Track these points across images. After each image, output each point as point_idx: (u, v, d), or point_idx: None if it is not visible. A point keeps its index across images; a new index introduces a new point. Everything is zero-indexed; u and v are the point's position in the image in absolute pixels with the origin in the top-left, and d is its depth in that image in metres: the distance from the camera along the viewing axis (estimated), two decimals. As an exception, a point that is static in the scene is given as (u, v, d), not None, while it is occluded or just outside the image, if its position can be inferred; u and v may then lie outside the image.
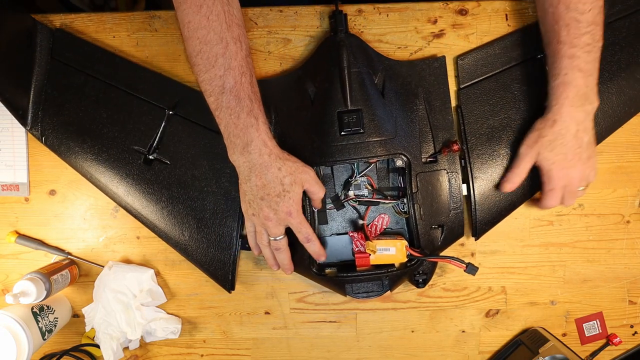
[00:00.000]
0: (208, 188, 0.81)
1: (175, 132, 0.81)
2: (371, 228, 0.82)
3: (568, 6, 0.69)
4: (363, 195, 0.81)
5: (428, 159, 0.79)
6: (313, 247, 0.74)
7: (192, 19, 0.67)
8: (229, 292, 0.83)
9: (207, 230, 0.81)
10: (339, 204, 0.81)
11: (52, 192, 0.86)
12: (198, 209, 0.81)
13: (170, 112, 0.81)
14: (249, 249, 0.82)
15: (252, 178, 0.69)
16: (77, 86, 0.81)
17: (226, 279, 0.82)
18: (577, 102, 0.71)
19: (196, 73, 0.70)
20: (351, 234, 0.81)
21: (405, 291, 0.89)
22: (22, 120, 0.80)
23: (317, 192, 0.73)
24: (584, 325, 0.90)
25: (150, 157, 0.81)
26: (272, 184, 0.69)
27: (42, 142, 0.81)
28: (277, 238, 0.73)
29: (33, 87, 0.80)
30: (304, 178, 0.71)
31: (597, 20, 0.70)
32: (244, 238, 0.82)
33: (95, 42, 0.83)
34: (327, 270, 0.81)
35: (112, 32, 0.83)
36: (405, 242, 0.76)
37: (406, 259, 0.77)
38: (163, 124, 0.81)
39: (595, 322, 0.89)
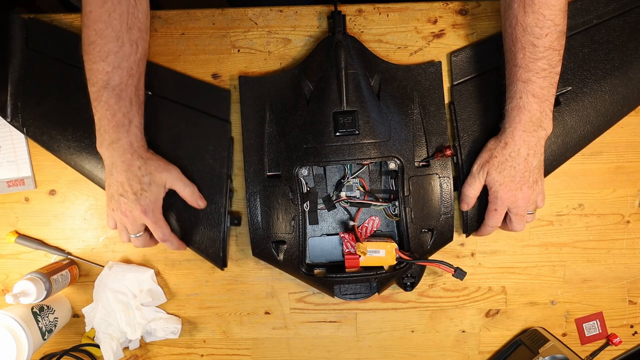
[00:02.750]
0: (192, 167, 0.80)
1: (156, 113, 0.80)
2: (361, 230, 0.82)
3: (525, 29, 0.68)
4: (355, 197, 0.81)
5: (421, 163, 0.79)
6: (171, 246, 0.78)
7: (94, 10, 0.67)
8: (222, 269, 0.83)
9: (195, 209, 0.80)
10: (330, 205, 0.81)
11: (52, 192, 0.86)
12: None
13: (149, 93, 0.79)
14: (238, 224, 0.83)
15: (114, 173, 0.71)
16: (55, 74, 0.81)
17: (217, 256, 0.82)
18: (530, 127, 0.71)
19: (85, 60, 0.70)
20: (342, 235, 0.82)
21: (405, 291, 0.89)
22: (2, 112, 0.80)
23: (183, 189, 0.76)
24: (584, 325, 0.90)
25: None
26: (131, 181, 0.71)
27: (24, 133, 0.81)
28: (136, 235, 0.75)
29: (10, 79, 0.80)
30: (164, 177, 0.74)
31: (554, 45, 0.68)
32: (232, 214, 0.82)
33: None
34: (316, 271, 0.81)
35: (112, 32, 0.83)
36: (395, 245, 0.76)
37: (395, 262, 0.77)
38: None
39: (595, 322, 0.89)
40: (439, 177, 0.79)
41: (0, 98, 0.80)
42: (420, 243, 0.78)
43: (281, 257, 0.79)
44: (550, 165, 0.81)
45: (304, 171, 0.78)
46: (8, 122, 0.81)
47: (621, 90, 0.81)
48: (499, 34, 0.81)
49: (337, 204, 0.82)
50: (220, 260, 0.82)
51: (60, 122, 0.81)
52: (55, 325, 0.83)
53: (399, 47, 0.83)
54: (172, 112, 0.81)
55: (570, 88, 0.80)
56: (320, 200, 0.82)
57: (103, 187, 0.82)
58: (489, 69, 0.81)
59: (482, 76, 0.81)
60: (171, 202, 0.80)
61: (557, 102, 0.79)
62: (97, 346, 0.85)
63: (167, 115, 0.81)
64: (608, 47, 0.80)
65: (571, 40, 0.80)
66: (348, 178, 0.80)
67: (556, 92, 0.76)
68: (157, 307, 0.88)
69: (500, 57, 0.80)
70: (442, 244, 0.81)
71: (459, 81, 0.82)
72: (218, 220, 0.81)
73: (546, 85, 0.70)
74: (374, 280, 0.78)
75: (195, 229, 0.81)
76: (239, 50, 0.84)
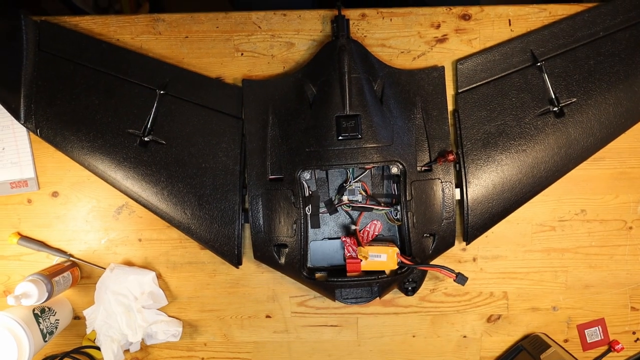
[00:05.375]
0: (206, 164, 0.81)
1: (168, 112, 0.82)
2: (363, 234, 0.82)
3: None
4: (357, 201, 0.81)
5: (423, 168, 0.79)
6: None
7: None
8: (237, 267, 0.83)
9: (209, 207, 0.81)
10: (332, 209, 0.81)
11: (55, 194, 0.87)
12: (198, 185, 0.81)
13: (162, 92, 0.81)
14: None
15: None
16: (67, 76, 0.81)
17: (232, 254, 0.82)
18: None
19: None
20: (344, 239, 0.82)
21: (406, 296, 0.88)
22: (15, 114, 0.80)
23: None
24: (585, 331, 0.89)
25: (146, 138, 0.81)
26: None
27: (37, 134, 0.81)
28: None
29: (23, 81, 0.81)
30: None
31: None
32: (246, 212, 0.81)
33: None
34: (318, 275, 0.81)
35: (116, 35, 0.83)
36: (396, 249, 0.76)
37: (397, 266, 0.77)
38: (155, 104, 0.81)
39: (597, 328, 0.89)
40: (441, 182, 0.79)
41: (14, 100, 0.80)
42: (421, 248, 0.78)
43: (282, 260, 0.79)
44: (553, 176, 0.81)
45: (306, 175, 0.78)
46: (22, 124, 0.81)
47: (625, 103, 0.81)
48: (504, 43, 0.82)
49: (339, 208, 0.82)
50: (235, 258, 0.82)
51: (73, 123, 0.81)
52: (56, 327, 0.83)
53: (402, 52, 0.84)
54: (184, 111, 0.82)
55: (575, 99, 0.80)
56: (322, 204, 0.82)
57: (117, 188, 0.82)
58: (494, 77, 0.81)
59: (487, 85, 0.82)
60: (186, 201, 0.80)
61: (561, 113, 0.80)
62: (98, 348, 0.85)
63: (179, 113, 0.82)
64: (614, 60, 0.80)
65: (577, 52, 0.81)
66: (350, 182, 0.80)
67: (561, 104, 0.77)
68: (158, 309, 0.87)
69: (505, 67, 0.81)
70: (443, 248, 0.81)
71: (464, 89, 0.82)
72: (232, 218, 0.81)
73: None
74: (375, 285, 0.77)
75: (210, 227, 0.81)
76: (242, 54, 0.84)
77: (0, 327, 0.76)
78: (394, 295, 0.88)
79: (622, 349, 0.89)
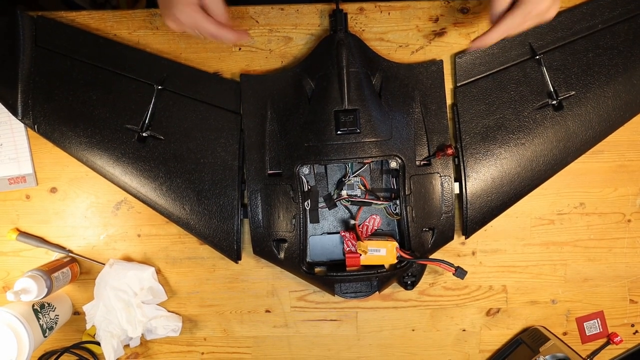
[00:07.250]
0: (204, 159, 0.81)
1: (166, 107, 0.81)
2: (362, 228, 0.82)
3: None
4: (356, 195, 0.81)
5: (422, 162, 0.79)
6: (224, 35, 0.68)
7: None
8: (236, 262, 0.83)
9: (208, 202, 0.81)
10: (331, 203, 0.81)
11: (53, 190, 0.86)
12: (196, 181, 0.81)
13: (159, 87, 0.81)
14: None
15: None
16: (64, 71, 0.81)
17: (232, 249, 0.82)
18: None
19: None
20: (343, 234, 0.82)
21: (405, 290, 0.89)
22: (12, 110, 0.80)
23: None
24: (584, 324, 0.90)
25: (144, 134, 0.81)
26: None
27: (35, 130, 0.81)
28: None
29: (20, 77, 0.80)
30: None
31: None
32: (245, 207, 0.81)
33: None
34: (317, 269, 0.81)
35: (113, 30, 0.83)
36: (395, 244, 0.76)
37: (396, 261, 0.77)
38: (153, 99, 0.81)
39: (596, 321, 0.89)
40: (440, 176, 0.79)
41: (11, 96, 0.80)
42: (421, 242, 0.78)
43: (282, 255, 0.79)
44: (552, 169, 0.81)
45: (305, 169, 0.78)
46: (19, 119, 0.81)
47: (624, 96, 0.80)
48: None
49: (338, 203, 0.82)
50: (234, 253, 0.82)
51: (71, 118, 0.81)
52: (56, 323, 0.84)
53: (400, 46, 0.83)
54: (182, 106, 0.81)
55: (573, 93, 0.80)
56: (321, 199, 0.82)
57: (115, 184, 0.82)
58: (492, 71, 0.81)
59: (485, 78, 0.81)
60: (184, 196, 0.80)
61: (559, 107, 0.80)
62: (98, 344, 0.85)
63: (177, 108, 0.81)
64: (612, 53, 0.80)
65: (575, 45, 0.81)
66: (349, 176, 0.80)
67: (559, 97, 0.77)
68: (157, 305, 0.88)
69: (503, 60, 0.81)
70: (443, 242, 0.81)
71: (462, 83, 0.82)
72: (231, 213, 0.81)
73: None
74: (374, 279, 0.78)
75: (209, 222, 0.81)
76: (240, 49, 0.84)
77: (0, 323, 0.76)
78: (393, 289, 0.88)
79: (621, 341, 0.89)
